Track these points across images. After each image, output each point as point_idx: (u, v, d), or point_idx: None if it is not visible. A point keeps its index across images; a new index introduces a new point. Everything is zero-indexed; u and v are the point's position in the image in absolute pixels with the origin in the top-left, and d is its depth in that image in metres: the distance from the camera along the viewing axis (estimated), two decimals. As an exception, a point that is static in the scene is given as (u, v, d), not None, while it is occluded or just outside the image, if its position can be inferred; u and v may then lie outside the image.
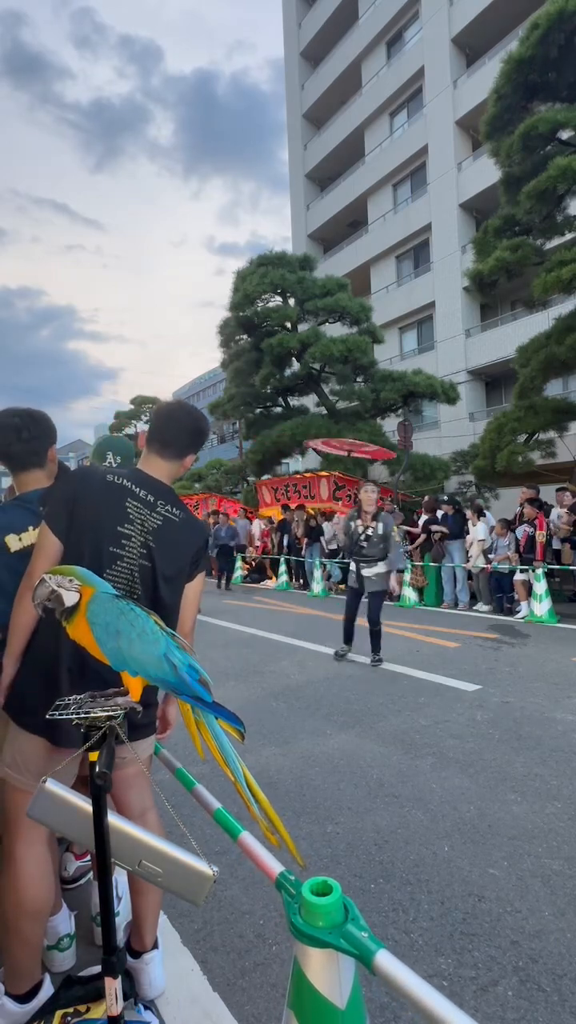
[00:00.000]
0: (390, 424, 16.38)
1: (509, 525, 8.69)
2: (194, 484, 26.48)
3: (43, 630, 1.46)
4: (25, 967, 1.48)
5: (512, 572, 8.21)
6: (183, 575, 1.64)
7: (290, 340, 16.04)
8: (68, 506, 1.49)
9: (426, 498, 11.04)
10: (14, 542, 1.70)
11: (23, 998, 1.48)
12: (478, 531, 8.81)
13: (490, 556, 8.72)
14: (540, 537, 8.07)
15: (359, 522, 5.77)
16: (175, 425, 1.67)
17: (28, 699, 1.44)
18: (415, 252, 22.30)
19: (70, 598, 1.19)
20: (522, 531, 8.37)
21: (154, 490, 1.60)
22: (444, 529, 9.45)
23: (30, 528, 1.72)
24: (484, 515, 9.13)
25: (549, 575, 7.94)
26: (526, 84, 9.99)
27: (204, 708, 1.30)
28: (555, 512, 8.59)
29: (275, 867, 1.21)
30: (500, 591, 8.54)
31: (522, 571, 7.95)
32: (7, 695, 1.51)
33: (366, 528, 5.67)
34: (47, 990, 1.53)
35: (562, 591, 8.89)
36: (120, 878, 1.92)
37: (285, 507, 13.81)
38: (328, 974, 0.96)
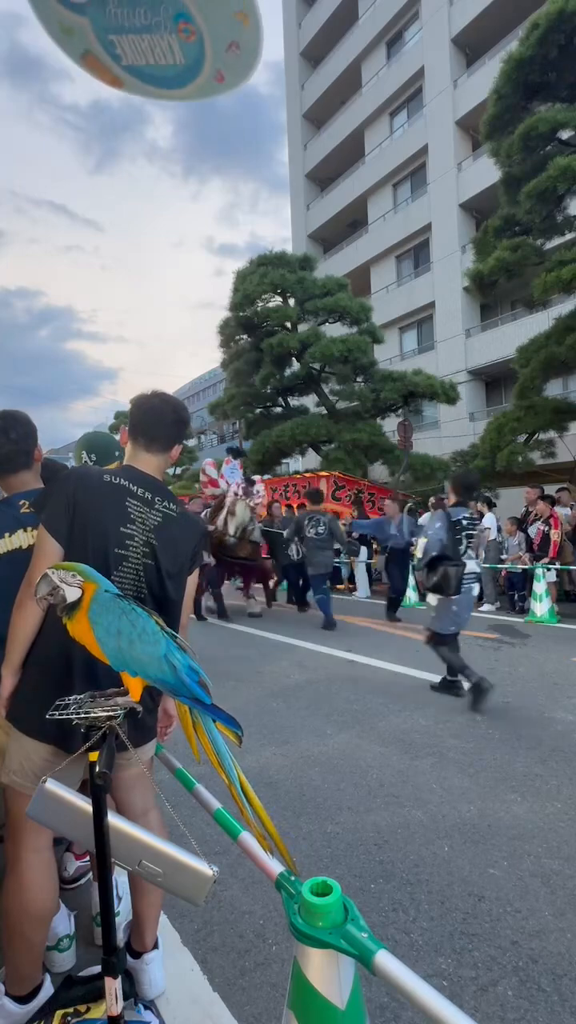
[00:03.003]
0: (390, 424, 16.38)
1: (519, 524, 8.70)
2: (194, 484, 26.49)
3: (53, 637, 1.43)
4: (27, 969, 1.48)
5: (526, 571, 8.21)
6: (185, 571, 1.64)
7: (290, 340, 16.03)
8: (68, 509, 1.46)
9: (432, 499, 11.03)
10: None
11: (24, 999, 1.48)
12: (485, 522, 8.85)
13: (503, 556, 8.75)
14: (555, 536, 8.06)
15: None
16: (158, 419, 1.65)
17: (38, 707, 1.39)
18: (415, 252, 22.30)
19: (72, 594, 1.18)
20: (535, 529, 8.36)
21: (150, 487, 1.59)
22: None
23: (6, 535, 1.69)
24: (494, 506, 9.23)
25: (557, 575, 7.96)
26: (526, 84, 10.00)
27: (202, 710, 1.29)
28: (564, 511, 8.62)
29: (275, 867, 1.22)
30: (512, 589, 8.56)
31: (547, 570, 7.89)
32: (10, 705, 1.50)
33: None
34: (47, 991, 1.53)
35: (561, 590, 8.92)
36: (120, 878, 1.92)
37: (289, 507, 13.79)
38: (328, 974, 0.96)
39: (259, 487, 9.03)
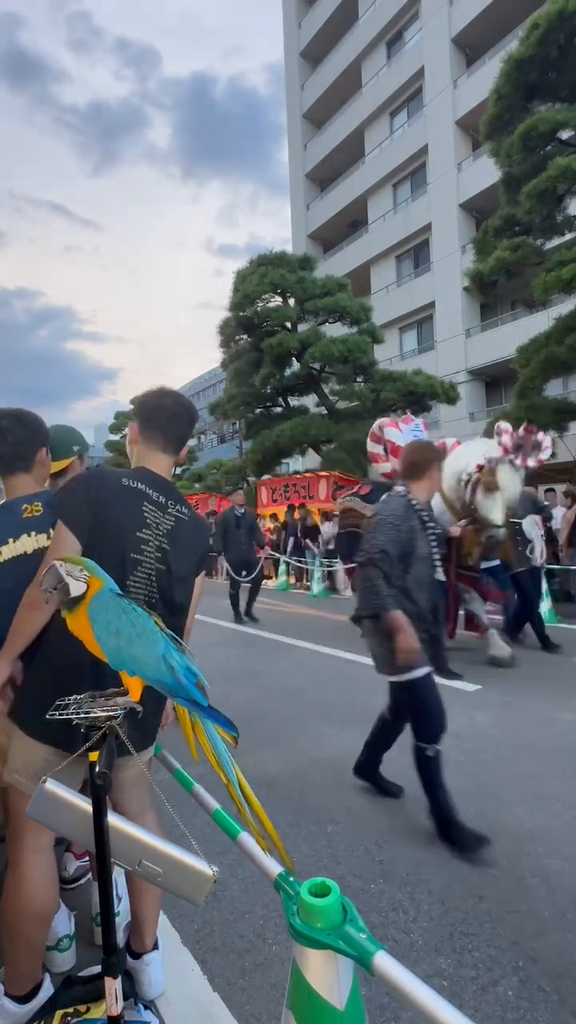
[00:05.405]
0: (390, 424, 16.37)
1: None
2: (194, 484, 26.50)
3: (61, 640, 1.39)
4: (26, 969, 1.48)
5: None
6: (193, 575, 1.65)
7: (290, 340, 16.05)
8: (90, 508, 1.45)
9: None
10: None
11: (23, 999, 1.48)
12: None
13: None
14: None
15: None
16: (176, 420, 1.66)
17: (43, 709, 1.36)
18: (415, 252, 22.32)
19: (77, 588, 1.17)
20: None
21: (164, 491, 1.59)
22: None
23: (9, 540, 1.67)
24: None
25: (549, 575, 7.94)
26: (526, 84, 10.01)
27: (199, 712, 1.29)
28: (558, 511, 8.60)
29: (274, 867, 1.21)
30: None
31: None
32: (15, 706, 1.49)
33: None
34: (47, 990, 1.53)
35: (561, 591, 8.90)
36: (120, 878, 1.92)
37: (291, 507, 13.76)
38: (327, 975, 0.96)
39: (540, 436, 5.22)
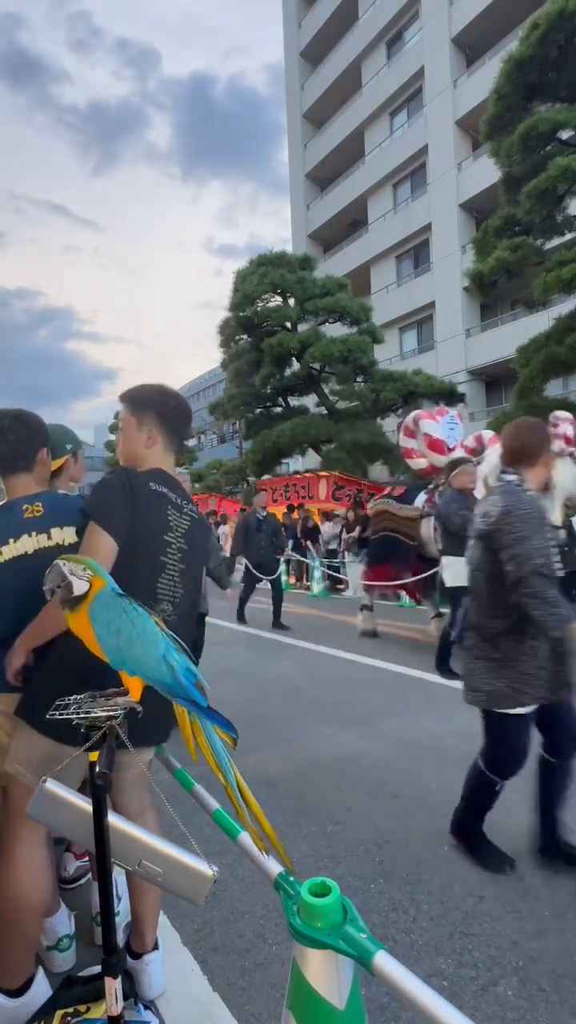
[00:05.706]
0: (390, 424, 16.40)
1: None
2: (194, 484, 26.50)
3: (76, 639, 1.43)
4: (18, 962, 1.48)
5: None
6: (203, 571, 1.71)
7: (290, 340, 16.06)
8: (129, 509, 1.45)
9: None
10: None
11: (15, 992, 1.47)
12: None
13: None
14: None
15: None
16: (186, 420, 1.70)
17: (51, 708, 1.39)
18: (415, 252, 22.32)
19: (80, 587, 1.17)
20: None
21: (178, 492, 1.62)
22: None
23: (10, 540, 1.66)
24: None
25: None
26: (526, 84, 10.02)
27: (199, 713, 1.29)
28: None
29: (274, 867, 1.22)
30: None
31: None
32: (26, 701, 1.50)
33: None
34: (41, 985, 1.52)
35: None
36: (120, 878, 1.92)
37: (291, 507, 13.76)
38: (327, 975, 0.96)
39: None
